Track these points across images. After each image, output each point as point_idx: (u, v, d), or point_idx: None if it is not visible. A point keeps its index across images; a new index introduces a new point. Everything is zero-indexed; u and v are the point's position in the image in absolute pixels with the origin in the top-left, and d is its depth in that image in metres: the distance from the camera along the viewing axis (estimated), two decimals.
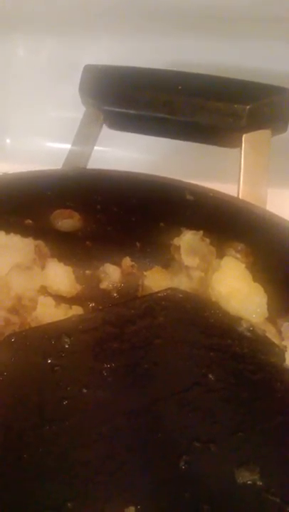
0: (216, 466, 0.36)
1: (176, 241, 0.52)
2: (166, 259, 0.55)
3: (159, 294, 0.48)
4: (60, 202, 0.56)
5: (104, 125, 0.60)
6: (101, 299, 0.56)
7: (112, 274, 0.57)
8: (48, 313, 0.50)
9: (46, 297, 0.52)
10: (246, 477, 0.34)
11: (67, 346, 0.43)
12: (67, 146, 0.59)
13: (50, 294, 0.54)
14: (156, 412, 0.39)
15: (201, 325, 0.46)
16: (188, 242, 0.51)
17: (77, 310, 0.52)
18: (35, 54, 0.80)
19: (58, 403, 0.39)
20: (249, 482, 0.34)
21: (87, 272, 0.59)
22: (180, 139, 0.58)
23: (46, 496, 0.34)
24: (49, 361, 0.42)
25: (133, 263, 0.57)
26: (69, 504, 0.34)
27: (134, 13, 0.70)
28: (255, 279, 0.48)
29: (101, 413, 0.39)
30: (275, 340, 0.46)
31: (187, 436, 0.37)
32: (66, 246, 0.57)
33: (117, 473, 0.35)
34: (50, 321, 0.47)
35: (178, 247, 0.52)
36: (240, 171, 0.52)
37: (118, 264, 0.58)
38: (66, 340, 0.44)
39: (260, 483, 0.34)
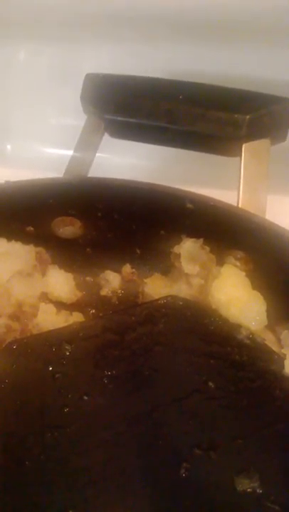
0: (216, 473, 0.36)
1: (176, 249, 0.53)
2: (167, 267, 0.56)
3: (159, 301, 0.48)
4: (62, 209, 0.56)
5: (105, 133, 0.60)
6: (101, 306, 0.57)
7: (112, 281, 0.58)
8: (49, 319, 0.51)
9: (47, 304, 0.53)
10: (246, 484, 0.35)
11: (68, 353, 0.44)
12: (68, 153, 0.60)
13: (50, 301, 0.54)
14: (157, 419, 0.39)
15: (200, 332, 0.46)
16: (188, 249, 0.51)
17: (77, 317, 0.53)
18: (37, 61, 0.80)
19: (59, 410, 0.40)
20: (249, 489, 0.34)
21: (88, 278, 0.59)
22: (180, 148, 0.59)
23: (48, 502, 0.34)
24: (50, 368, 0.43)
25: (133, 270, 0.58)
26: (70, 511, 0.34)
27: (135, 22, 0.70)
28: (254, 287, 0.49)
29: (102, 420, 0.39)
30: (274, 347, 0.46)
31: (187, 444, 0.37)
32: (67, 253, 0.58)
33: (118, 480, 0.35)
34: (51, 328, 0.47)
35: (178, 255, 0.52)
36: (239, 180, 0.52)
37: (118, 271, 0.58)
38: (67, 347, 0.44)
39: (260, 491, 0.34)
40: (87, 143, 0.60)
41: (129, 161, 0.77)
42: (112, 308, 0.56)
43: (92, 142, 0.60)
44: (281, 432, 0.38)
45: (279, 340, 0.48)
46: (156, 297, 0.50)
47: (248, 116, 0.52)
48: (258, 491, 0.35)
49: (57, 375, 0.42)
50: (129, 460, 0.37)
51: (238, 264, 0.51)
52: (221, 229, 0.51)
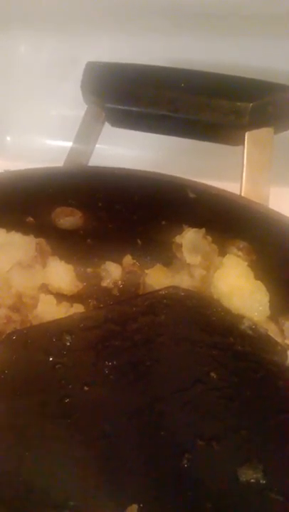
0: (219, 464, 0.35)
1: (177, 239, 0.52)
2: (168, 257, 0.55)
3: (161, 292, 0.48)
4: (62, 200, 0.56)
5: (106, 123, 0.59)
6: (102, 297, 0.56)
7: (113, 272, 0.57)
8: (49, 311, 0.50)
9: (47, 295, 0.52)
10: (249, 475, 0.34)
11: (68, 344, 0.43)
12: (69, 144, 0.59)
13: (51, 292, 0.54)
14: (159, 410, 0.39)
15: (202, 323, 0.45)
16: (190, 240, 0.51)
17: (78, 308, 0.52)
18: (36, 51, 0.79)
19: (60, 401, 0.39)
20: (252, 480, 0.34)
21: (89, 269, 0.59)
22: (182, 137, 0.58)
23: (49, 494, 0.34)
24: (51, 359, 0.42)
25: (134, 261, 0.57)
26: (71, 502, 0.33)
27: (136, 11, 0.70)
28: (257, 277, 0.48)
29: (103, 411, 0.39)
30: (278, 338, 0.46)
31: (190, 434, 0.37)
32: (67, 244, 0.57)
33: (120, 471, 0.35)
34: (51, 319, 0.47)
35: (180, 245, 0.52)
36: (242, 169, 0.51)
37: (119, 262, 0.58)
38: (67, 338, 0.44)
39: (263, 482, 0.34)
40: (87, 133, 0.59)
41: (130, 151, 0.77)
42: (113, 299, 0.56)
43: (92, 132, 0.59)
44: (284, 423, 0.38)
45: (282, 330, 0.48)
46: (158, 288, 0.49)
47: (251, 105, 0.51)
48: (261, 481, 0.34)
49: (57, 366, 0.42)
50: (131, 451, 0.36)
51: (240, 254, 0.50)
52: (223, 218, 0.50)
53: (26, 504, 0.34)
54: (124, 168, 0.53)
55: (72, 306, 0.52)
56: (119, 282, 0.57)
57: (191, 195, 0.51)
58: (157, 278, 0.54)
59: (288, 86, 0.53)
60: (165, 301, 0.47)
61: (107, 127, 0.60)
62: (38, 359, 0.42)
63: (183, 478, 0.35)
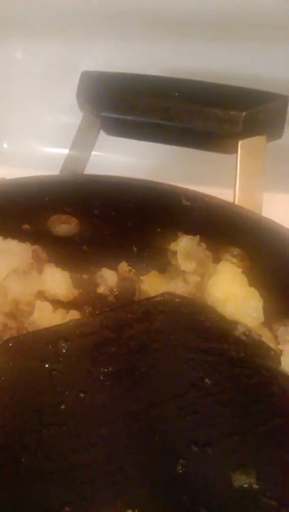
0: (213, 469, 0.36)
1: (172, 246, 0.53)
2: (163, 264, 0.56)
3: (156, 299, 0.48)
4: (58, 207, 0.56)
5: (101, 131, 0.60)
6: (98, 304, 0.57)
7: (108, 279, 0.58)
8: (46, 317, 0.51)
9: (43, 302, 0.52)
10: (242, 480, 0.35)
11: (64, 351, 0.44)
12: (64, 151, 0.60)
13: (47, 299, 0.54)
14: (153, 416, 0.39)
15: (197, 329, 0.46)
16: (184, 247, 0.51)
17: (74, 314, 0.52)
18: (33, 59, 0.80)
19: (56, 407, 0.39)
20: (245, 485, 0.35)
21: (84, 276, 0.59)
22: (176, 145, 0.59)
23: (45, 499, 0.34)
24: (46, 366, 0.42)
25: (130, 268, 0.58)
26: (67, 508, 0.34)
27: (131, 20, 0.70)
28: (251, 284, 0.49)
29: (99, 417, 0.39)
30: (271, 344, 0.46)
31: (184, 440, 0.37)
32: (63, 251, 0.58)
33: (115, 477, 0.35)
34: (47, 326, 0.47)
35: (174, 252, 0.52)
36: (236, 177, 0.52)
37: (115, 268, 0.58)
38: (63, 344, 0.44)
39: (257, 486, 0.34)
40: (83, 140, 0.60)
41: (125, 159, 0.77)
42: (109, 306, 0.56)
43: (88, 140, 0.59)
44: (278, 428, 0.38)
45: (276, 336, 0.48)
46: (153, 294, 0.50)
47: (243, 113, 0.52)
48: (254, 486, 0.35)
49: (53, 373, 0.42)
50: (126, 457, 0.37)
51: (234, 260, 0.51)
52: (217, 226, 0.51)
53: (23, 510, 0.34)
54: (119, 177, 0.54)
55: (68, 312, 0.52)
56: (115, 289, 0.58)
57: (186, 203, 0.52)
58: (152, 284, 0.55)
59: (280, 95, 0.54)
60: (160, 307, 0.47)
61: (103, 135, 0.61)
62: (34, 366, 0.43)
63: (177, 483, 0.35)
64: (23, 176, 0.55)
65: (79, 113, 0.61)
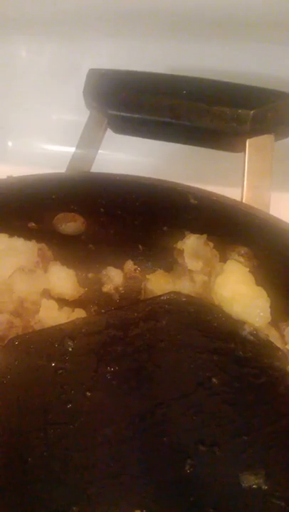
0: (221, 469, 0.36)
1: (179, 245, 0.52)
2: (169, 263, 0.55)
3: (162, 298, 0.48)
4: (64, 205, 0.56)
5: (108, 129, 0.60)
6: (104, 302, 0.57)
7: (114, 278, 0.58)
8: (51, 316, 0.50)
9: (49, 300, 0.52)
10: (251, 481, 0.34)
11: (70, 349, 0.43)
12: (70, 149, 0.59)
13: (53, 297, 0.54)
14: (160, 416, 0.39)
15: (204, 329, 0.46)
16: (191, 245, 0.51)
17: (79, 313, 0.52)
18: (38, 57, 0.80)
19: (62, 406, 0.39)
20: (254, 486, 0.34)
21: (90, 275, 0.59)
22: (184, 143, 0.59)
23: (51, 499, 0.34)
24: (53, 364, 0.42)
25: (136, 266, 0.57)
26: (74, 508, 0.34)
27: (137, 18, 0.70)
28: (258, 283, 0.48)
29: (105, 416, 0.39)
30: (278, 343, 0.46)
31: (192, 440, 0.37)
32: (69, 249, 0.58)
33: (122, 477, 0.35)
34: (53, 324, 0.47)
35: (181, 251, 0.52)
36: (243, 176, 0.52)
37: (121, 267, 0.58)
38: (70, 343, 0.44)
39: (265, 487, 0.34)
40: (89, 139, 0.59)
41: (132, 157, 0.77)
42: (114, 305, 0.56)
43: (94, 138, 0.59)
44: (286, 428, 0.38)
45: (283, 336, 0.48)
46: (159, 293, 0.49)
47: (252, 112, 0.52)
48: (263, 487, 0.34)
49: (59, 371, 0.42)
50: (133, 456, 0.37)
51: (241, 260, 0.50)
52: (224, 225, 0.50)
53: (29, 509, 0.34)
54: (125, 175, 0.54)
55: (73, 311, 0.52)
56: (121, 288, 0.57)
57: (193, 202, 0.51)
58: (158, 283, 0.54)
59: (288, 93, 0.54)
60: (166, 306, 0.47)
61: (110, 133, 0.61)
62: (40, 364, 0.43)
63: (185, 483, 0.35)
64: (28, 174, 0.55)
65: (85, 111, 0.61)
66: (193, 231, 0.52)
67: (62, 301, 0.54)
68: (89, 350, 0.43)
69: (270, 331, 0.47)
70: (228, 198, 0.50)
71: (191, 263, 0.51)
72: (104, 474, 0.36)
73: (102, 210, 0.56)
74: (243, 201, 0.51)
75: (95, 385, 0.41)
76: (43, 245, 0.56)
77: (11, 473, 0.35)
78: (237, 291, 0.48)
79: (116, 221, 0.57)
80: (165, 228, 0.55)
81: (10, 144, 0.86)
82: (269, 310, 0.47)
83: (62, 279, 0.55)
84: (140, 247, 0.58)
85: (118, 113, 0.57)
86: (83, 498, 0.34)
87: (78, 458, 0.37)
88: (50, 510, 0.34)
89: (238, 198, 0.51)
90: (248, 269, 0.49)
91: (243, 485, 0.34)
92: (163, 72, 0.59)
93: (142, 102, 0.56)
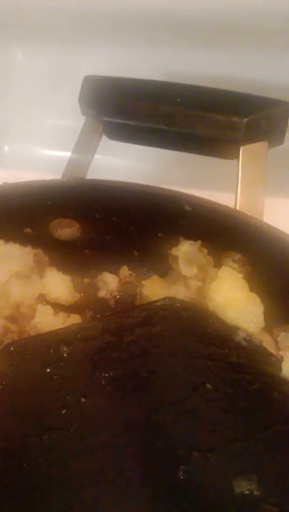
0: (214, 475, 0.36)
1: (174, 251, 0.53)
2: (164, 269, 0.56)
3: (157, 303, 0.48)
4: (60, 211, 0.56)
5: (103, 135, 0.60)
6: (99, 308, 0.57)
7: (110, 283, 0.58)
8: (47, 321, 0.51)
9: (45, 305, 0.53)
10: (244, 486, 0.35)
11: (65, 355, 0.44)
12: (66, 154, 0.60)
13: (48, 303, 0.54)
14: (155, 421, 0.39)
15: (198, 334, 0.46)
16: (186, 251, 0.52)
17: (75, 318, 0.53)
18: (35, 62, 0.80)
19: (57, 412, 0.39)
20: (247, 491, 0.34)
21: (86, 280, 0.59)
22: (178, 150, 0.59)
23: (46, 505, 0.34)
24: (48, 370, 0.42)
25: (131, 272, 0.58)
26: None
27: (134, 25, 0.71)
28: (252, 289, 0.49)
29: (100, 422, 0.39)
30: (272, 349, 0.47)
31: (186, 446, 0.37)
32: (65, 255, 0.58)
33: (116, 482, 0.35)
34: (48, 330, 0.47)
35: (176, 257, 0.52)
36: (237, 182, 0.52)
37: (116, 273, 0.58)
38: (65, 349, 0.44)
39: (258, 493, 0.34)
40: (85, 145, 0.60)
41: (127, 164, 0.77)
42: (110, 310, 0.56)
43: (90, 144, 0.60)
44: (279, 434, 0.38)
45: (276, 342, 0.48)
46: (154, 299, 0.50)
47: (245, 119, 0.52)
48: (255, 492, 0.34)
49: (55, 377, 0.42)
50: (128, 462, 0.37)
51: (235, 266, 0.51)
52: (218, 231, 0.51)
53: None
54: (121, 181, 0.54)
55: (69, 316, 0.53)
56: (116, 293, 0.58)
57: (187, 208, 0.52)
58: (153, 289, 0.55)
59: (282, 101, 0.54)
60: (161, 312, 0.48)
61: (105, 139, 0.61)
62: (35, 370, 0.43)
63: (179, 489, 0.35)
64: (24, 179, 0.55)
65: (80, 117, 0.62)
66: (188, 237, 0.52)
67: (58, 307, 0.54)
68: (84, 356, 0.44)
69: (263, 337, 0.48)
70: (222, 204, 0.51)
71: (185, 269, 0.51)
72: (99, 480, 0.36)
73: (97, 216, 0.57)
74: (237, 208, 0.51)
75: (90, 391, 0.41)
76: (38, 251, 0.56)
77: (6, 479, 0.36)
78: (231, 297, 0.48)
79: (111, 227, 0.57)
80: (160, 234, 0.56)
81: (6, 148, 0.87)
82: (262, 316, 0.47)
83: (58, 284, 0.56)
84: (135, 252, 0.59)
85: (113, 120, 0.58)
86: (78, 504, 0.34)
87: (73, 463, 0.37)
88: None
89: (232, 205, 0.52)
90: (241, 276, 0.50)
91: (236, 490, 0.34)
92: (158, 80, 0.60)
93: (137, 109, 0.56)
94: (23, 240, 0.56)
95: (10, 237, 0.55)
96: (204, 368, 0.43)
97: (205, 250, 0.52)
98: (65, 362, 0.43)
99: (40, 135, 0.84)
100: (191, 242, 0.52)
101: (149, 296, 0.54)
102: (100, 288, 0.58)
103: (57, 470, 0.36)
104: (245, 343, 0.45)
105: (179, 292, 0.52)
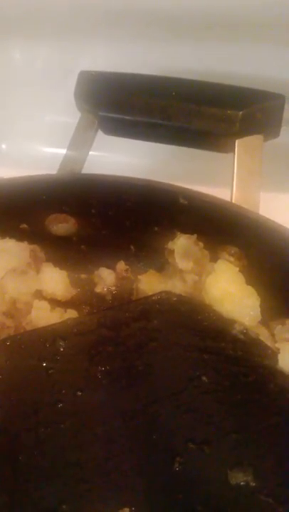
0: (210, 467, 0.36)
1: (170, 245, 0.53)
2: (161, 263, 0.56)
3: (154, 298, 0.48)
4: (56, 206, 0.56)
5: (99, 130, 0.60)
6: (96, 303, 0.57)
7: (106, 278, 0.58)
8: (43, 316, 0.51)
9: (41, 301, 0.52)
10: (239, 478, 0.35)
11: (62, 349, 0.44)
12: (63, 151, 0.60)
13: (45, 298, 0.54)
14: (151, 414, 0.39)
15: (195, 328, 0.46)
16: (182, 245, 0.52)
17: (72, 314, 0.52)
18: (31, 59, 0.80)
19: (53, 406, 0.40)
20: (242, 483, 0.35)
21: (82, 275, 0.59)
22: (174, 144, 0.59)
23: (42, 498, 0.34)
24: (44, 364, 0.42)
25: (127, 267, 0.58)
26: (64, 506, 0.34)
27: (128, 20, 0.71)
28: (248, 282, 0.49)
29: (96, 415, 0.39)
30: (268, 342, 0.47)
31: (181, 438, 0.37)
32: (61, 250, 0.58)
33: (112, 475, 0.35)
34: (45, 325, 0.47)
35: (172, 251, 0.52)
36: (233, 176, 0.52)
37: (113, 268, 0.58)
38: (61, 343, 0.44)
39: (253, 484, 0.35)
40: (80, 140, 0.60)
41: (122, 158, 0.77)
42: (107, 305, 0.56)
43: (85, 139, 0.60)
44: (275, 426, 0.39)
45: (273, 335, 0.48)
46: (151, 293, 0.50)
47: (240, 112, 0.52)
48: (251, 484, 0.35)
49: (51, 371, 0.42)
50: (123, 455, 0.37)
51: (231, 259, 0.51)
52: (214, 225, 0.51)
53: (20, 508, 0.34)
54: (116, 176, 0.54)
55: (65, 311, 0.52)
56: (113, 288, 0.58)
57: (183, 202, 0.52)
58: (150, 283, 0.55)
59: (277, 94, 0.54)
60: (158, 306, 0.48)
61: (101, 134, 0.61)
62: (31, 364, 0.43)
63: (174, 481, 0.35)
64: (20, 175, 0.55)
65: (76, 113, 0.61)
66: (184, 231, 0.52)
67: (55, 302, 0.54)
68: (80, 350, 0.44)
69: (260, 330, 0.48)
70: (217, 198, 0.51)
71: (181, 263, 0.51)
72: (95, 472, 0.36)
73: (93, 211, 0.56)
74: (233, 201, 0.51)
75: (86, 385, 0.41)
76: (35, 246, 0.56)
77: (2, 472, 0.36)
78: (227, 291, 0.48)
79: (107, 222, 0.57)
80: (156, 228, 0.55)
81: (3, 145, 0.87)
82: (259, 309, 0.47)
83: (55, 280, 0.56)
84: (132, 247, 0.59)
85: (108, 114, 0.58)
86: (73, 496, 0.34)
87: (69, 456, 0.37)
88: (40, 508, 0.34)
89: (228, 198, 0.52)
90: (238, 269, 0.50)
91: (232, 482, 0.35)
92: (153, 74, 0.59)
93: (132, 104, 0.56)
94: (19, 235, 0.55)
95: (6, 232, 0.55)
96: (200, 361, 0.43)
97: (201, 244, 0.51)
98: (61, 356, 0.43)
99: (37, 132, 0.84)
100: (187, 235, 0.52)
101: (145, 291, 0.54)
102: (97, 283, 0.58)
103: (52, 463, 0.36)
104: (242, 336, 0.45)
105: (176, 286, 0.51)
